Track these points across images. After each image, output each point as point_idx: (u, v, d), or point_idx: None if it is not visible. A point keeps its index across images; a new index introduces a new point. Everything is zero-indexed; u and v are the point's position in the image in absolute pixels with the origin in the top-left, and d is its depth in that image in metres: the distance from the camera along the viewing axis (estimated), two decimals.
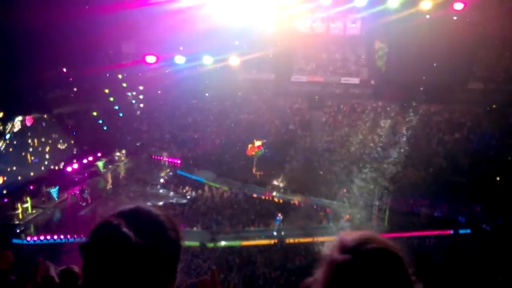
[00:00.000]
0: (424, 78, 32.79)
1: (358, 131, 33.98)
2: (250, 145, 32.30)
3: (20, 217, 26.22)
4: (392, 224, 25.51)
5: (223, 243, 25.06)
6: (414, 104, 32.65)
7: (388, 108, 35.34)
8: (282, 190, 30.24)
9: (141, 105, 39.00)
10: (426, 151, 30.92)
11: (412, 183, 27.59)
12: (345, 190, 27.63)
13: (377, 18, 35.34)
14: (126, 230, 1.12)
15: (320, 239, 24.66)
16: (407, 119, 32.64)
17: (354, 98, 37.59)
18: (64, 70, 31.07)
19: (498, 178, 27.59)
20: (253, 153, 32.06)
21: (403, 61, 32.80)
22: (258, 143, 32.25)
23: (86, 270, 1.17)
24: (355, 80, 38.74)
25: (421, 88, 32.07)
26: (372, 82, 37.91)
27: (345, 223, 25.77)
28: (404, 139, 30.26)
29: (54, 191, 28.77)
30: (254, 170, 32.26)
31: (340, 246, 1.37)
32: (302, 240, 24.82)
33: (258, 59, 37.41)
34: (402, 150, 29.34)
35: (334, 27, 39.39)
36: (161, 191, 31.77)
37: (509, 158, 29.39)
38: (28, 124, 30.13)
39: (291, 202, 28.99)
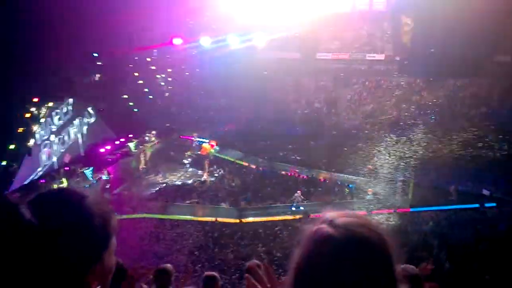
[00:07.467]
0: (450, 52, 32.08)
1: (383, 107, 34.00)
2: (203, 145, 32.63)
3: None
4: (417, 199, 25.80)
5: (250, 219, 25.98)
6: (440, 79, 32.30)
7: (413, 84, 35.05)
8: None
9: (170, 87, 40.07)
10: (452, 125, 30.69)
11: (436, 157, 27.66)
12: (370, 166, 27.95)
13: None
14: (23, 210, 1.03)
15: None
16: (432, 94, 32.41)
17: (379, 75, 37.39)
18: (95, 55, 32.27)
19: None
20: (207, 152, 32.38)
21: (429, 35, 32.33)
22: (212, 142, 32.71)
23: None
24: (380, 57, 38.46)
25: (447, 63, 31.56)
26: (397, 58, 37.53)
27: (369, 198, 26.26)
28: (430, 114, 30.16)
29: (88, 171, 29.95)
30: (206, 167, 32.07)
31: (327, 220, 1.23)
32: None
33: (284, 39, 37.62)
34: (427, 125, 29.28)
35: (361, 3, 39.19)
36: (190, 169, 32.93)
37: None
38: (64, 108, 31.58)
39: (317, 179, 29.60)
